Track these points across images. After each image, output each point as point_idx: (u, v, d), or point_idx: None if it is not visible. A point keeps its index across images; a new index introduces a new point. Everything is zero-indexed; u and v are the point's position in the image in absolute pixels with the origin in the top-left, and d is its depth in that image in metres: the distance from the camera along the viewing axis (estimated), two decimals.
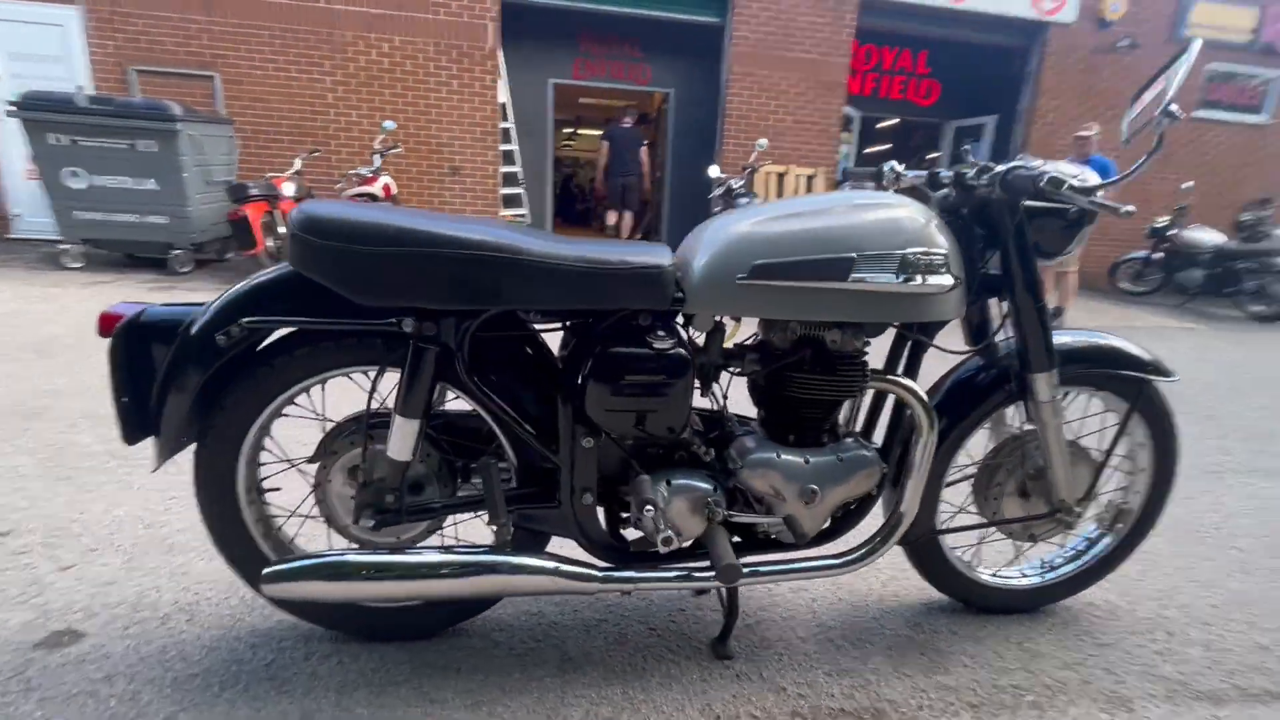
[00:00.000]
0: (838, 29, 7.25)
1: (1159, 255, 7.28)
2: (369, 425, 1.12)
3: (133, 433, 1.06)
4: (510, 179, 7.07)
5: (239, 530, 1.14)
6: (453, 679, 1.18)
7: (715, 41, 7.31)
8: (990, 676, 1.28)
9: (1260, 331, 5.96)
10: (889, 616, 1.45)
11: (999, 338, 1.28)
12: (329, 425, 1.20)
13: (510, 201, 7.12)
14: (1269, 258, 6.46)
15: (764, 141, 6.24)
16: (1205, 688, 1.28)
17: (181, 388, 1.02)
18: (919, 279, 1.06)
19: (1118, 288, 7.76)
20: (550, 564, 1.09)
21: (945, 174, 1.24)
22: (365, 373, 1.12)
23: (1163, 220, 7.23)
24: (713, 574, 1.12)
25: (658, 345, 1.05)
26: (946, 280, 1.08)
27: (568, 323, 1.16)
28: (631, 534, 1.22)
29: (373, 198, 5.19)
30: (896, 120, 9.56)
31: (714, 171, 6.30)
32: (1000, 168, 1.12)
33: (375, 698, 1.12)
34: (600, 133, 8.43)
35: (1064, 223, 1.16)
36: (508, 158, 6.99)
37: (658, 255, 1.05)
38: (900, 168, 1.36)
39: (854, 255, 1.03)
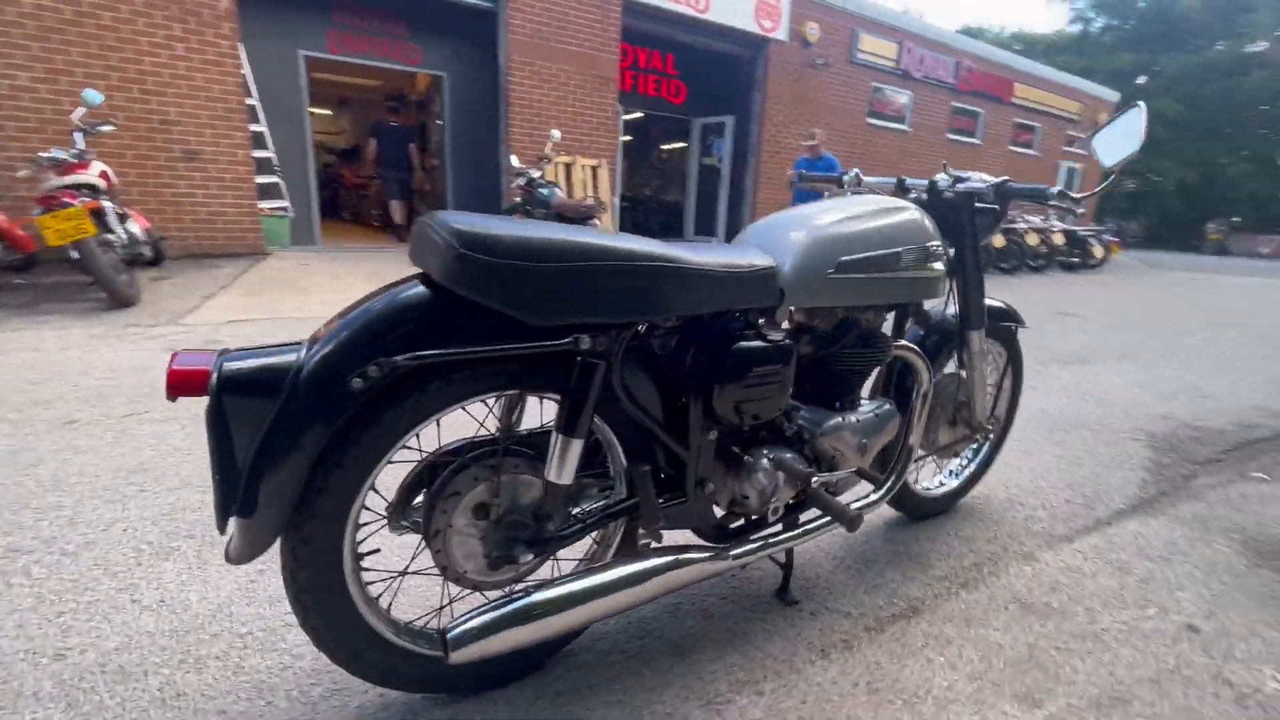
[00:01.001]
0: (605, 25, 7.64)
1: None
2: (503, 451, 1.03)
3: (227, 517, 0.82)
4: (264, 166, 6.01)
5: (348, 614, 0.95)
6: (593, 695, 1.16)
7: (490, 27, 7.12)
8: (957, 562, 1.69)
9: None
10: (872, 539, 1.79)
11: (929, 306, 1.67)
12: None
13: (267, 192, 6.06)
14: None
15: (558, 133, 6.36)
16: (1059, 533, 1.87)
17: (297, 450, 0.83)
18: (932, 265, 1.36)
19: None
20: (694, 555, 1.15)
21: (913, 182, 1.57)
22: (485, 401, 1.02)
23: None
24: (833, 524, 1.30)
25: (773, 337, 1.17)
26: (941, 265, 1.40)
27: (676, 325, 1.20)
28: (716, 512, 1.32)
29: (93, 189, 4.00)
30: (640, 114, 10.39)
31: (514, 162, 6.23)
32: (962, 183, 1.47)
33: None
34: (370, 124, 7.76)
35: (994, 219, 1.58)
36: (258, 140, 5.92)
37: (760, 257, 1.16)
38: (861, 174, 1.66)
39: (901, 250, 1.29)
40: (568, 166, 7.43)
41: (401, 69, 7.24)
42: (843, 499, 1.37)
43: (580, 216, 5.43)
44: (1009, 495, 2.11)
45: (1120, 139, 1.37)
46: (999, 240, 9.27)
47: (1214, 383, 3.75)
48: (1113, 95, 15.73)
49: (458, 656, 0.90)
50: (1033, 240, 9.51)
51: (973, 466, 1.97)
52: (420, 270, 0.95)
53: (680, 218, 11.11)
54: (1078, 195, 1.42)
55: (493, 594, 1.06)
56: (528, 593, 0.97)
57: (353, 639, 0.96)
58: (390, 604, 1.10)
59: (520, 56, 7.07)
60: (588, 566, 1.14)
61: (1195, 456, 2.55)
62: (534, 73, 7.19)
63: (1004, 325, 1.82)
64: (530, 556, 1.02)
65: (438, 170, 7.77)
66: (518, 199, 6.42)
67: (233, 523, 0.85)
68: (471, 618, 0.93)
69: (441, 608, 1.14)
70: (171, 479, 1.90)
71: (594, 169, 7.68)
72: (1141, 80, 24.41)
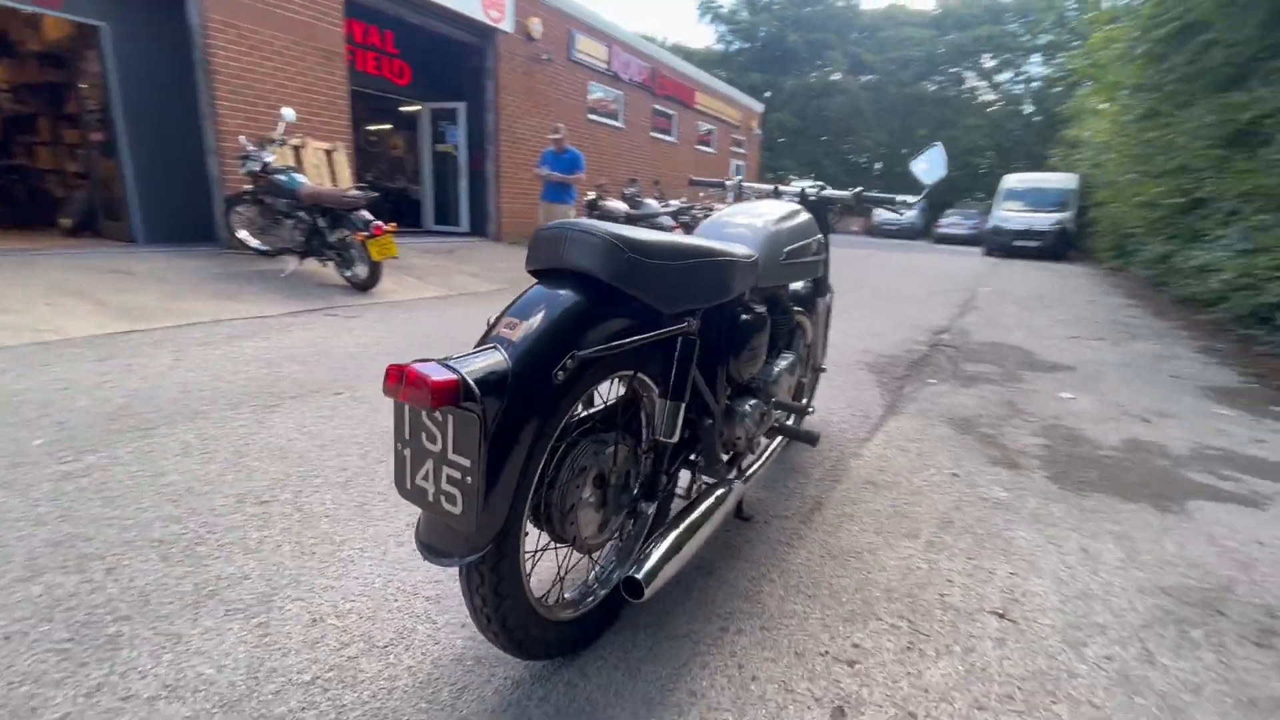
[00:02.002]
0: None
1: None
2: (621, 426, 1.22)
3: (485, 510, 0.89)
4: None
5: (521, 597, 1.06)
6: (656, 651, 1.43)
7: None
8: (822, 467, 2.33)
9: None
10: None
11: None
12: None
13: None
14: (654, 219, 10.00)
15: (290, 112, 5.67)
16: (862, 436, 2.68)
17: (521, 445, 0.94)
18: (820, 251, 1.90)
19: None
20: (738, 484, 1.48)
21: (785, 189, 2.09)
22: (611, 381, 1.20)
23: (591, 194, 10.05)
24: (787, 445, 1.75)
25: (759, 311, 1.56)
26: (820, 251, 1.96)
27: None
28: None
29: None
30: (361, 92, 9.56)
31: (245, 143, 5.36)
32: (829, 191, 2.05)
33: (621, 699, 1.30)
34: None
35: (839, 216, 2.20)
36: None
37: (745, 248, 1.53)
38: (742, 180, 2.13)
39: (810, 241, 1.79)
40: (297, 150, 6.53)
41: (26, 8, 5.43)
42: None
43: (346, 208, 4.96)
44: (823, 418, 2.89)
45: (930, 164, 2.07)
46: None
47: (879, 326, 5.35)
48: (759, 106, 19.68)
49: (649, 591, 1.10)
50: None
51: (808, 393, 2.68)
52: (536, 269, 1.10)
53: (413, 206, 10.55)
54: (912, 201, 2.11)
55: (601, 556, 1.26)
56: (665, 534, 1.20)
57: (525, 622, 1.08)
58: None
59: (220, 16, 5.92)
60: (688, 503, 1.37)
61: (896, 375, 3.75)
62: (241, 37, 6.10)
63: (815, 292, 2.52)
64: (652, 507, 1.25)
65: (108, 146, 6.07)
66: (247, 187, 5.52)
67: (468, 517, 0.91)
68: (643, 561, 1.13)
69: (560, 578, 1.27)
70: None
71: (329, 153, 6.89)
72: (767, 95, 30.86)
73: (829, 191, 2.11)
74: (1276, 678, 1.33)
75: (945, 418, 2.99)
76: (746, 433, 1.62)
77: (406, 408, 0.92)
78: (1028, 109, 30.77)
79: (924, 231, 24.46)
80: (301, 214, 5.20)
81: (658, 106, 13.81)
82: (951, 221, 20.67)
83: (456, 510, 0.89)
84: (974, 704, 1.22)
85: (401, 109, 10.67)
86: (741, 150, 18.53)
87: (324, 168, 6.84)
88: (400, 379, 0.85)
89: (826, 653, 1.34)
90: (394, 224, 5.03)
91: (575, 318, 1.03)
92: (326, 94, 6.99)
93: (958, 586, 1.61)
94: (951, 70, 32.13)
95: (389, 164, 12.14)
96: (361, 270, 5.15)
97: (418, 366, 0.85)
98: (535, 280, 1.11)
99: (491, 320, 1.04)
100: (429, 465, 0.91)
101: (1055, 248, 13.41)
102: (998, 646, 1.39)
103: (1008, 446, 2.63)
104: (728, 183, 2.20)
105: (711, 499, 1.34)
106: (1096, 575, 1.69)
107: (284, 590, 1.44)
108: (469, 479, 0.87)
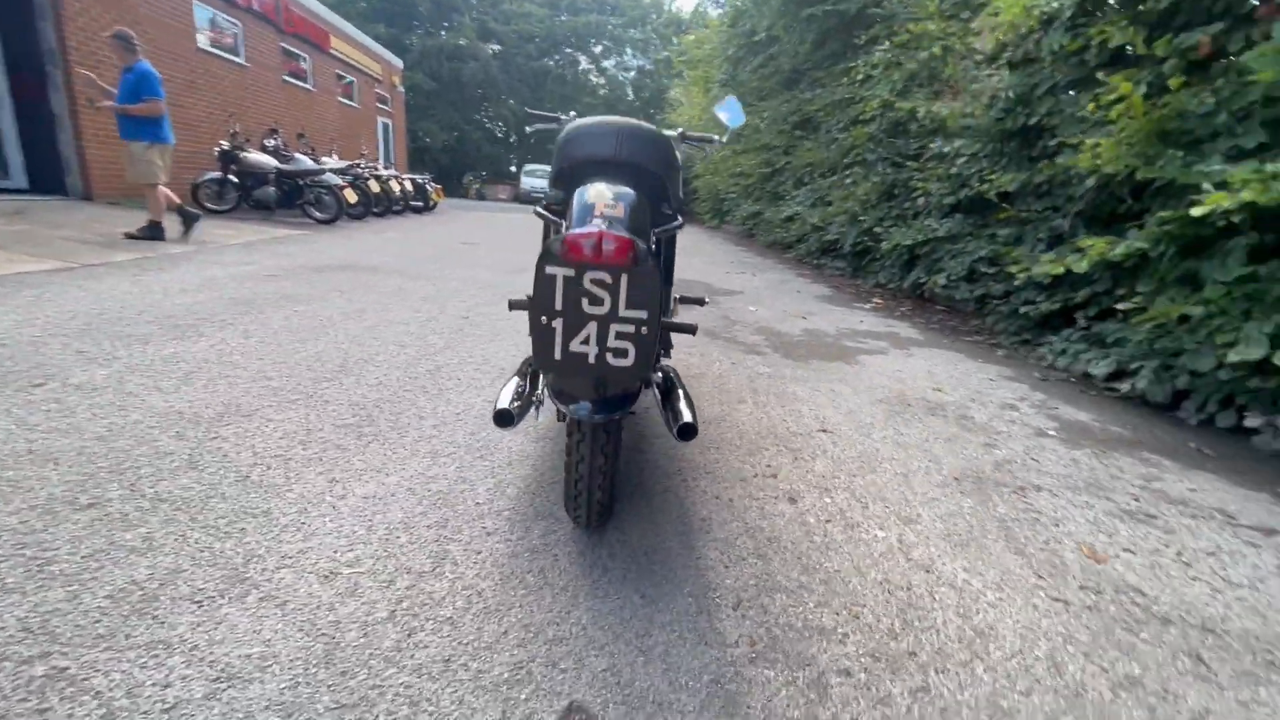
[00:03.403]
0: None
1: (233, 177, 8.41)
2: None
3: None
4: None
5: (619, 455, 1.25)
6: (652, 503, 1.72)
7: None
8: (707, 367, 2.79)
9: (324, 231, 7.82)
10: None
11: None
12: None
13: None
14: (318, 176, 8.79)
15: None
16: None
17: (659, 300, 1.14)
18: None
19: (205, 207, 8.45)
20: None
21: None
22: None
23: (224, 144, 8.28)
24: (685, 333, 2.12)
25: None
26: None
27: None
28: None
29: None
30: None
31: None
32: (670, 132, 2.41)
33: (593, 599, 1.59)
34: None
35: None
36: None
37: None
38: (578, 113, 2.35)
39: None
40: None
41: None
42: None
43: None
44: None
45: (731, 113, 2.55)
46: (351, 195, 9.70)
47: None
48: (399, 62, 18.44)
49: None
50: (375, 188, 10.63)
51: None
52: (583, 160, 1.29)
53: None
54: (721, 140, 2.56)
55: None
56: (681, 391, 1.48)
57: None
58: None
59: None
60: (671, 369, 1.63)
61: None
62: None
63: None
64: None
65: None
66: None
67: None
68: (681, 414, 1.39)
69: None
70: None
71: None
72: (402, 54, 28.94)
73: (672, 133, 2.48)
74: (917, 425, 2.35)
75: (755, 327, 3.79)
76: (665, 348, 1.94)
77: (560, 279, 1.01)
78: (630, 95, 36.05)
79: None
80: None
81: (287, 46, 11.80)
82: None
83: (627, 363, 1.04)
84: (841, 474, 1.87)
85: None
86: (387, 108, 17.21)
87: None
88: (597, 247, 0.96)
89: (757, 474, 1.83)
90: None
91: (646, 205, 1.23)
92: None
93: (790, 422, 2.29)
94: (568, 50, 35.19)
95: None
96: None
97: (608, 232, 0.98)
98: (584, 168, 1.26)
99: (583, 202, 1.16)
100: (591, 329, 1.03)
101: None
102: (834, 446, 2.09)
103: (746, 342, 3.52)
104: (563, 117, 2.37)
105: (677, 373, 1.67)
106: (843, 400, 2.58)
107: None
108: (644, 330, 1.04)
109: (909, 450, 2.09)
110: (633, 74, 36.69)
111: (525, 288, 4.27)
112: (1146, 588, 1.40)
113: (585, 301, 1.02)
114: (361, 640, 1.03)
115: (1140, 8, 3.08)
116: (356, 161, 10.81)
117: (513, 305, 2.34)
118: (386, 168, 12.59)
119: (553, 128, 2.38)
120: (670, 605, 1.20)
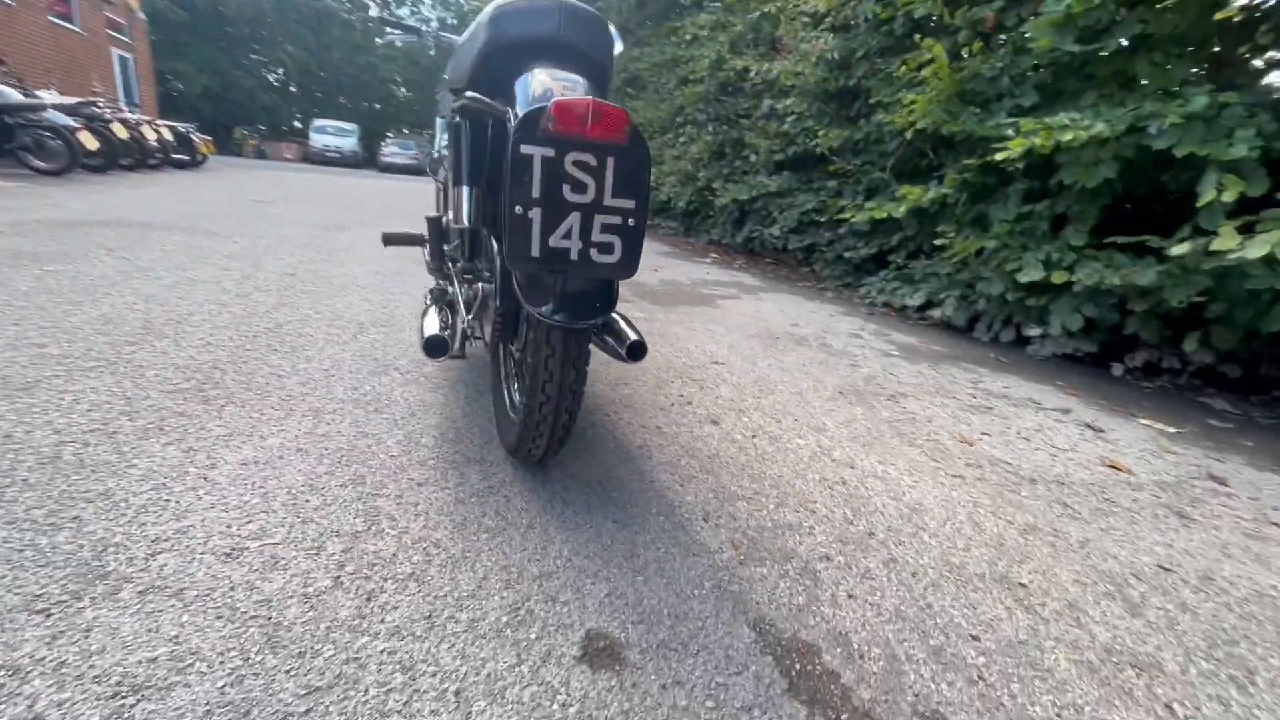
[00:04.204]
0: None
1: None
2: None
3: None
4: None
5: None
6: (620, 447, 1.63)
7: None
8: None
9: (56, 184, 5.86)
10: None
11: None
12: None
13: None
14: (36, 113, 6.82)
15: None
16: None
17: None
18: None
19: None
20: None
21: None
22: None
23: None
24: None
25: None
26: None
27: None
28: None
29: None
30: None
31: None
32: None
33: (569, 531, 1.52)
34: None
35: None
36: None
37: None
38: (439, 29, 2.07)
39: None
40: None
41: None
42: None
43: None
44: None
45: None
46: (90, 141, 7.85)
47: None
48: None
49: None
50: (123, 134, 8.64)
51: None
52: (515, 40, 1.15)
53: None
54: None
55: None
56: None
57: None
58: None
59: None
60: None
61: None
62: None
63: None
64: None
65: None
66: None
67: None
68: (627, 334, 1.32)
69: None
70: None
71: None
72: None
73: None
74: (791, 352, 2.56)
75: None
76: None
77: (539, 160, 0.87)
78: (433, 52, 33.30)
79: (370, 160, 24.21)
80: None
81: None
82: (392, 151, 21.05)
83: (613, 259, 0.94)
84: (746, 398, 1.94)
85: None
86: (124, 38, 13.87)
87: None
88: (585, 115, 0.84)
89: (674, 404, 1.82)
90: None
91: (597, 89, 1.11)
92: None
93: (684, 358, 2.32)
94: None
95: None
96: None
97: (602, 102, 0.86)
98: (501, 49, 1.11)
99: (536, 89, 1.00)
100: (573, 220, 0.91)
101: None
102: (731, 375, 2.16)
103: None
104: (424, 29, 2.07)
105: None
106: (721, 337, 2.69)
107: None
108: (631, 220, 0.94)
109: (794, 374, 2.24)
110: (434, 24, 33.96)
111: (351, 244, 3.84)
112: (1009, 459, 1.66)
113: (567, 188, 0.90)
114: (310, 614, 0.83)
115: None
116: (91, 98, 8.62)
117: (388, 240, 2.05)
118: (132, 111, 10.21)
119: (413, 40, 2.10)
120: (645, 526, 1.15)
